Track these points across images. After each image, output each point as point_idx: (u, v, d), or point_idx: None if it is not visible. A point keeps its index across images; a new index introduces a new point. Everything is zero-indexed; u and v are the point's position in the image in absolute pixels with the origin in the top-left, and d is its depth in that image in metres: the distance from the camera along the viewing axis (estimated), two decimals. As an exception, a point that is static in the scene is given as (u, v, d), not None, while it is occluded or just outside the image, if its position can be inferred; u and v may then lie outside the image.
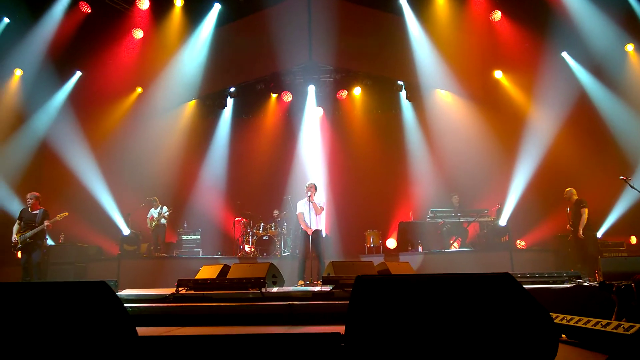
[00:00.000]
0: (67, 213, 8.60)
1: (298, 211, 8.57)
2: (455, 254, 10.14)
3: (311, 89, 13.49)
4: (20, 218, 8.26)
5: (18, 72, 10.78)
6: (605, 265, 6.51)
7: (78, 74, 11.73)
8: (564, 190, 9.19)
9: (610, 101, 10.70)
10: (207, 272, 6.98)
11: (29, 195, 8.33)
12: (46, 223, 8.20)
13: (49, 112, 11.19)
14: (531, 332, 2.00)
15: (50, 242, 10.13)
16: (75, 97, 11.58)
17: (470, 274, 2.30)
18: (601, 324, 3.17)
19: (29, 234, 8.09)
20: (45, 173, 11.53)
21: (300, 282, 8.06)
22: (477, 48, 11.79)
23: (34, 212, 8.28)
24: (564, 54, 11.39)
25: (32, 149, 10.90)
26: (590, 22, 10.31)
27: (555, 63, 11.23)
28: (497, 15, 11.43)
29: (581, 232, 8.53)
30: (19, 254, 8.28)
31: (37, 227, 8.16)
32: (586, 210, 8.56)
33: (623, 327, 2.93)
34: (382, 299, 2.12)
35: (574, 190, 8.89)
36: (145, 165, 11.90)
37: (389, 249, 11.48)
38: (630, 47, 10.70)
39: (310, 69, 13.31)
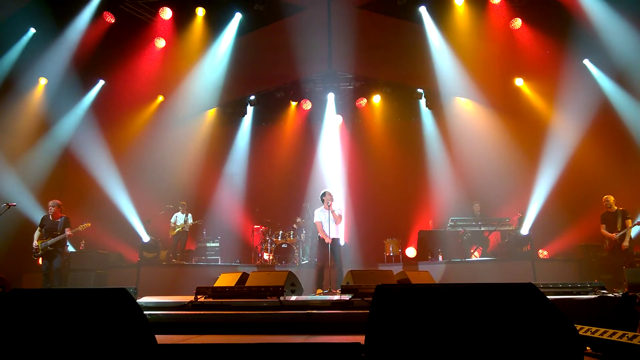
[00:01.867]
0: (89, 224, 8.68)
1: (316, 219, 8.56)
2: (476, 263, 10.00)
3: (331, 97, 13.52)
4: (41, 225, 8.38)
5: (42, 81, 11.03)
6: (631, 276, 6.34)
7: (101, 82, 11.98)
8: (586, 199, 9.00)
9: (633, 109, 10.48)
10: (226, 279, 7.00)
11: (51, 203, 8.44)
12: (68, 232, 8.30)
13: (72, 121, 11.43)
14: (556, 344, 1.95)
15: (71, 248, 10.26)
16: (97, 105, 11.81)
17: (493, 284, 2.26)
18: (627, 337, 3.08)
19: (50, 241, 8.20)
20: (67, 180, 11.76)
21: (319, 290, 8.03)
22: (497, 55, 11.70)
23: (56, 219, 8.41)
24: (586, 62, 11.21)
25: (55, 157, 11.11)
26: (612, 29, 10.14)
27: (577, 71, 11.05)
28: (518, 22, 11.32)
29: (627, 242, 8.36)
30: (40, 261, 8.39)
31: (58, 234, 8.27)
32: (630, 221, 8.43)
33: (651, 341, 2.85)
34: (403, 308, 2.09)
35: (613, 198, 8.73)
36: (165, 172, 12.06)
37: (409, 257, 11.38)
38: (653, 55, 10.48)
39: (329, 77, 13.37)
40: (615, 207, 8.62)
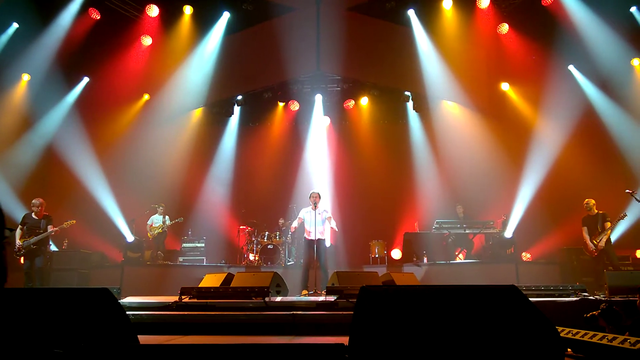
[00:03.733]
0: (74, 221, 8.62)
1: (300, 215, 8.62)
2: (461, 265, 10.08)
3: (318, 98, 13.51)
4: (23, 223, 8.25)
5: (25, 77, 10.83)
6: (611, 279, 6.45)
7: (85, 79, 11.77)
8: (569, 202, 9.12)
9: (616, 115, 10.70)
10: (211, 280, 6.96)
11: (34, 201, 8.32)
12: (53, 229, 8.22)
13: (56, 118, 11.22)
14: (537, 346, 1.97)
15: (53, 247, 10.11)
16: (82, 102, 11.63)
17: (476, 286, 2.28)
18: (607, 339, 3.13)
19: (33, 239, 8.09)
20: (50, 178, 11.54)
21: (304, 291, 8.03)
22: (484, 60, 11.85)
23: (39, 218, 8.29)
24: (571, 67, 11.39)
25: (38, 155, 10.90)
26: (596, 36, 10.38)
27: (562, 76, 11.24)
28: (505, 28, 11.49)
29: (603, 242, 8.47)
30: (22, 260, 8.27)
31: (41, 233, 8.17)
32: (609, 223, 8.53)
33: (629, 342, 2.90)
34: (386, 310, 2.10)
35: (593, 201, 8.85)
36: (150, 172, 11.92)
37: (394, 259, 11.41)
38: (636, 62, 10.73)
39: (317, 79, 13.37)
40: (596, 211, 8.73)
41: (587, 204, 8.83)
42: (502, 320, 2.07)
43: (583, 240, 8.82)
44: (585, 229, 8.79)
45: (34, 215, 8.29)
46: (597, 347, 3.20)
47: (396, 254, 11.61)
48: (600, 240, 8.48)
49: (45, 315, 2.70)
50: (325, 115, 13.61)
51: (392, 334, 2.05)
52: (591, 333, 3.39)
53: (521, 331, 2.02)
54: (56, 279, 9.53)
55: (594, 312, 3.66)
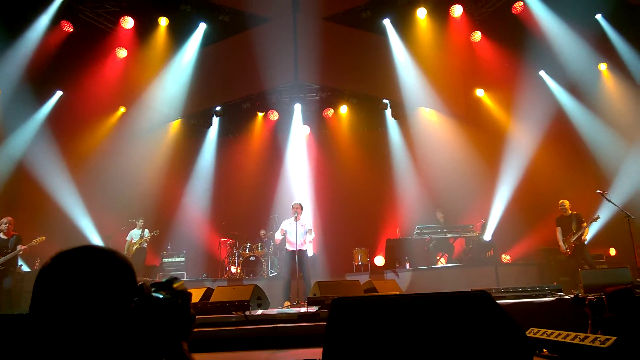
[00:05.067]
0: (43, 238, 8.33)
1: (282, 227, 8.62)
2: (442, 269, 10.17)
3: (297, 108, 13.55)
4: None
5: (-4, 92, 10.59)
6: (586, 278, 6.58)
7: (59, 93, 11.52)
8: (544, 204, 9.32)
9: (586, 118, 11.01)
10: (190, 294, 6.86)
11: (3, 220, 8.02)
12: (21, 247, 7.96)
13: (27, 133, 10.89)
14: (506, 351, 2.01)
15: (25, 268, 9.80)
16: (55, 117, 11.32)
17: (448, 293, 2.31)
18: (579, 338, 3.20)
19: (0, 260, 7.83)
20: (21, 196, 11.19)
21: (287, 303, 7.99)
22: (458, 67, 12.07)
23: (8, 237, 8.03)
24: (542, 73, 11.69)
25: (7, 172, 10.52)
26: (565, 43, 10.71)
27: (534, 81, 11.53)
28: (478, 35, 11.73)
29: (585, 236, 8.67)
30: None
31: (9, 252, 7.89)
32: (585, 223, 8.73)
33: (599, 340, 2.97)
34: (359, 321, 2.11)
35: (568, 202, 9.03)
36: (127, 186, 11.67)
37: (377, 266, 11.46)
38: (603, 66, 11.06)
39: (296, 88, 13.41)
40: (570, 211, 8.94)
41: (562, 204, 9.02)
42: (473, 326, 2.11)
43: (555, 239, 9.02)
44: (559, 229, 9.00)
45: (2, 235, 8.00)
46: (570, 347, 3.27)
47: (379, 260, 11.66)
48: (575, 239, 8.66)
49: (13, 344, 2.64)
50: (304, 124, 13.64)
51: (365, 345, 2.07)
52: (564, 333, 3.45)
53: (491, 336, 2.06)
54: (28, 301, 9.15)
55: (587, 298, 3.76)
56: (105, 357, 1.14)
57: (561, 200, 9.06)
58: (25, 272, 9.63)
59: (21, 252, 8.01)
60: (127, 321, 1.19)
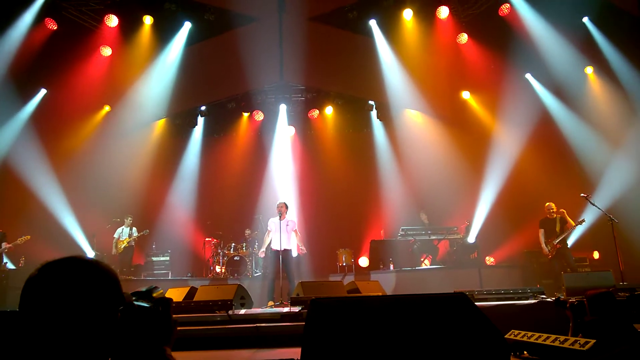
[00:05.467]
0: (29, 236, 8.37)
1: (269, 228, 8.60)
2: (426, 271, 10.20)
3: (283, 108, 13.51)
4: None
5: (-22, 91, 10.41)
6: (568, 280, 6.64)
7: (43, 91, 11.37)
8: (528, 206, 9.36)
9: (571, 121, 11.08)
10: (173, 295, 6.80)
11: None
12: (6, 245, 7.97)
13: (10, 131, 10.76)
14: (483, 352, 2.01)
15: (10, 265, 9.73)
16: (39, 115, 11.19)
17: (426, 295, 2.30)
18: (559, 340, 3.22)
19: (-15, 258, 7.81)
20: (5, 195, 11.04)
21: (270, 302, 7.95)
22: (445, 69, 12.07)
23: (-9, 235, 8.01)
24: (528, 76, 11.76)
25: (-9, 170, 10.47)
26: (551, 46, 10.73)
27: (520, 84, 11.58)
28: (464, 37, 11.75)
29: (556, 242, 8.68)
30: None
31: (-6, 250, 7.90)
32: (570, 224, 8.73)
33: (579, 343, 2.99)
34: (336, 322, 2.09)
35: (555, 206, 9.00)
36: (112, 185, 11.57)
37: (361, 267, 11.45)
38: (589, 70, 11.14)
39: (281, 88, 13.37)
40: (555, 215, 8.97)
41: (549, 207, 8.94)
42: (451, 328, 2.10)
43: (539, 242, 9.01)
44: (542, 231, 8.98)
45: (-15, 234, 8.00)
46: (550, 349, 3.29)
47: (363, 261, 11.66)
48: (558, 241, 8.70)
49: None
50: (289, 125, 13.61)
51: (342, 345, 2.04)
52: (545, 335, 3.48)
53: (469, 338, 2.05)
54: (13, 298, 9.13)
55: (568, 300, 3.78)
56: None
57: (548, 203, 9.01)
58: (10, 270, 9.58)
59: (6, 250, 8.00)
60: (114, 330, 1.22)
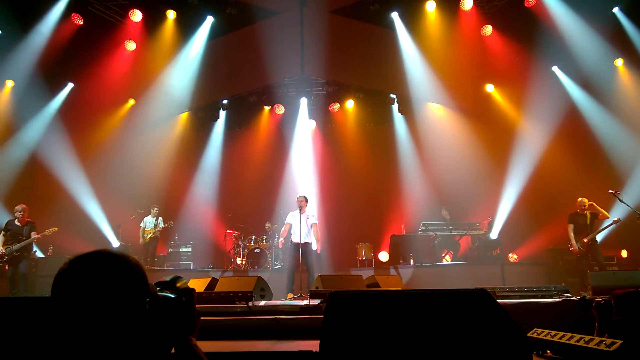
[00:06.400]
0: (56, 228, 8.59)
1: (287, 221, 8.60)
2: (447, 267, 10.09)
3: (303, 102, 13.51)
4: (6, 230, 8.22)
5: (9, 84, 10.69)
6: (595, 279, 6.47)
7: (70, 85, 11.67)
8: (553, 203, 9.12)
9: (600, 115, 10.78)
10: (195, 285, 6.90)
11: (17, 208, 8.31)
12: (35, 235, 8.20)
13: (40, 124, 11.09)
14: (505, 350, 1.97)
15: (39, 254, 10.03)
16: (66, 108, 11.51)
17: (447, 290, 2.27)
18: (584, 340, 3.14)
19: (16, 246, 8.08)
20: (34, 185, 11.43)
21: (290, 295, 7.99)
22: (468, 62, 11.87)
23: (22, 224, 8.26)
24: (555, 68, 11.47)
25: (21, 161, 10.76)
26: (580, 37, 10.45)
27: (546, 77, 11.32)
28: (488, 29, 11.53)
29: (587, 239, 8.36)
30: (6, 266, 8.23)
31: (24, 239, 8.14)
32: (607, 215, 8.41)
33: (605, 344, 2.91)
34: (355, 315, 2.08)
35: (587, 201, 8.62)
36: (136, 177, 11.80)
37: (381, 262, 11.41)
38: (619, 62, 10.81)
39: (302, 82, 13.37)
40: (586, 211, 8.59)
41: (581, 202, 8.56)
42: (472, 325, 2.07)
43: (568, 237, 8.63)
44: (571, 226, 8.59)
45: (17, 222, 8.28)
46: (574, 349, 3.21)
47: (383, 256, 11.61)
48: (589, 237, 8.36)
49: (29, 324, 2.65)
50: (310, 118, 13.61)
51: (361, 339, 2.03)
52: (569, 335, 3.40)
53: (489, 334, 2.02)
54: (42, 285, 9.43)
55: (594, 300, 3.69)
56: (121, 356, 1.21)
57: (581, 198, 8.62)
58: (40, 258, 9.93)
59: (35, 239, 8.24)
60: (141, 322, 1.26)
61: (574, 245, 8.50)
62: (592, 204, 8.49)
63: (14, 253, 8.05)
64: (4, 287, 8.39)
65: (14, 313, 2.88)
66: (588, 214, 8.53)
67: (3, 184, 10.27)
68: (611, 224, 8.39)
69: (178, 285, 1.41)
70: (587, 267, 8.36)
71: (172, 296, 1.37)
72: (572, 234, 8.56)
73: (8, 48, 10.19)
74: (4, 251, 8.02)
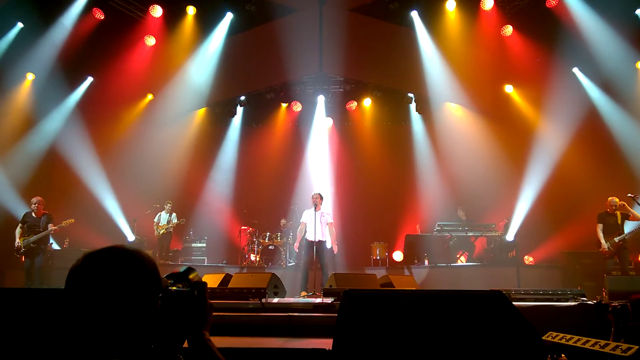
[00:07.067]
0: (72, 220, 8.68)
1: (302, 220, 8.63)
2: (462, 268, 10.03)
3: (321, 99, 13.50)
4: (23, 222, 8.33)
5: (30, 77, 10.86)
6: (611, 283, 6.38)
7: (89, 79, 11.81)
8: (571, 205, 8.97)
9: (620, 118, 10.58)
10: (209, 281, 6.90)
11: (33, 200, 8.41)
12: (52, 227, 8.30)
13: (59, 117, 11.25)
14: (519, 353, 1.96)
15: (55, 246, 10.18)
16: (85, 102, 11.66)
17: (461, 291, 2.26)
18: (599, 345, 3.09)
19: (33, 238, 8.17)
20: (52, 178, 11.62)
21: (303, 292, 8.02)
22: (488, 62, 11.74)
23: (39, 216, 8.35)
24: (575, 70, 11.29)
25: (40, 154, 10.91)
26: (601, 39, 10.26)
27: (566, 79, 11.13)
28: (509, 30, 11.38)
29: (617, 240, 8.16)
30: (23, 258, 8.35)
31: (41, 231, 8.23)
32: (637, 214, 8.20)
33: (621, 349, 2.86)
34: (369, 314, 2.08)
35: (618, 200, 8.39)
36: (153, 171, 11.94)
37: (395, 261, 11.38)
38: (641, 64, 10.60)
39: (320, 80, 13.36)
40: (616, 210, 8.35)
41: (612, 201, 8.35)
42: (486, 326, 2.06)
43: (597, 237, 8.38)
44: (600, 226, 8.37)
45: (33, 214, 8.36)
46: (589, 353, 3.16)
47: (397, 256, 11.58)
48: (620, 238, 8.14)
49: (43, 316, 2.70)
50: (327, 116, 13.60)
51: (374, 339, 2.04)
52: (584, 339, 3.35)
53: (504, 337, 2.01)
54: (57, 277, 9.57)
55: (611, 304, 3.64)
56: (135, 350, 1.22)
57: (611, 197, 8.40)
58: (56, 250, 10.08)
59: (52, 231, 8.33)
60: (155, 317, 1.27)
61: (604, 245, 8.25)
62: (623, 204, 8.29)
63: (31, 245, 8.16)
64: (20, 278, 8.54)
65: (28, 304, 2.93)
66: (618, 214, 8.32)
67: (23, 176, 10.44)
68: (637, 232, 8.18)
69: (190, 277, 1.41)
70: (612, 269, 8.17)
71: (185, 290, 1.37)
72: (601, 234, 8.35)
73: (29, 42, 10.35)
74: (20, 243, 8.14)
